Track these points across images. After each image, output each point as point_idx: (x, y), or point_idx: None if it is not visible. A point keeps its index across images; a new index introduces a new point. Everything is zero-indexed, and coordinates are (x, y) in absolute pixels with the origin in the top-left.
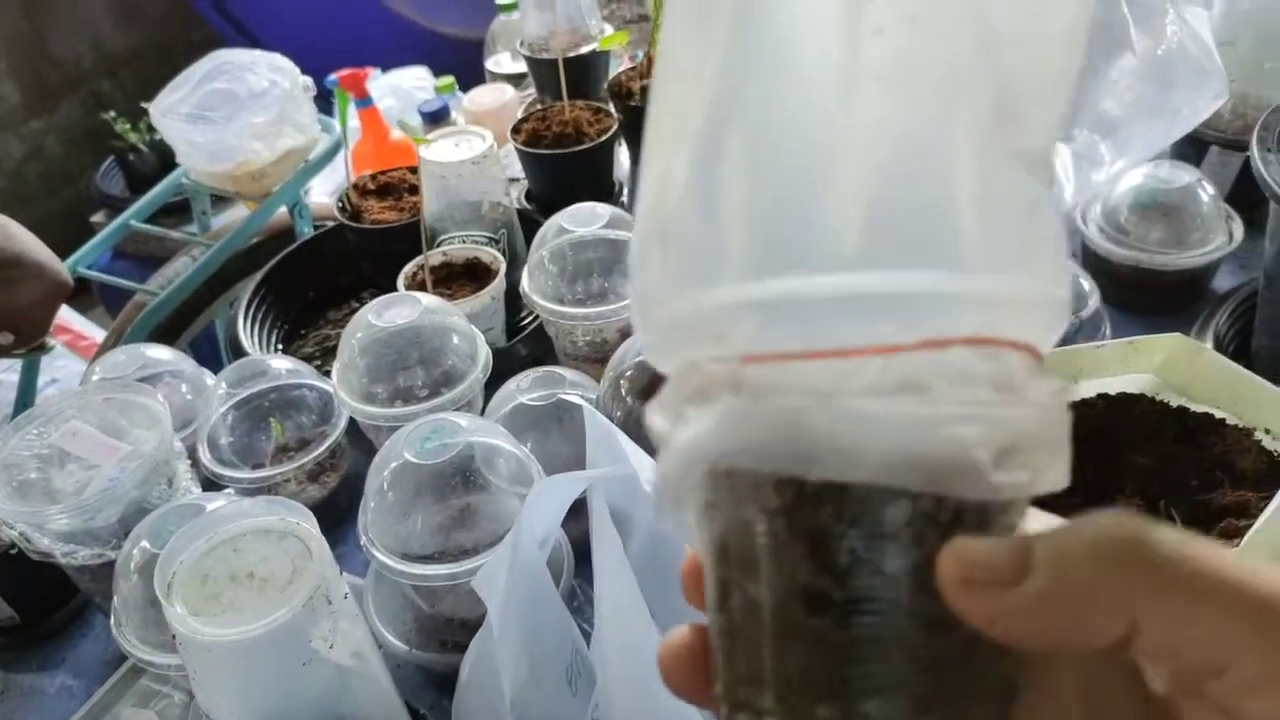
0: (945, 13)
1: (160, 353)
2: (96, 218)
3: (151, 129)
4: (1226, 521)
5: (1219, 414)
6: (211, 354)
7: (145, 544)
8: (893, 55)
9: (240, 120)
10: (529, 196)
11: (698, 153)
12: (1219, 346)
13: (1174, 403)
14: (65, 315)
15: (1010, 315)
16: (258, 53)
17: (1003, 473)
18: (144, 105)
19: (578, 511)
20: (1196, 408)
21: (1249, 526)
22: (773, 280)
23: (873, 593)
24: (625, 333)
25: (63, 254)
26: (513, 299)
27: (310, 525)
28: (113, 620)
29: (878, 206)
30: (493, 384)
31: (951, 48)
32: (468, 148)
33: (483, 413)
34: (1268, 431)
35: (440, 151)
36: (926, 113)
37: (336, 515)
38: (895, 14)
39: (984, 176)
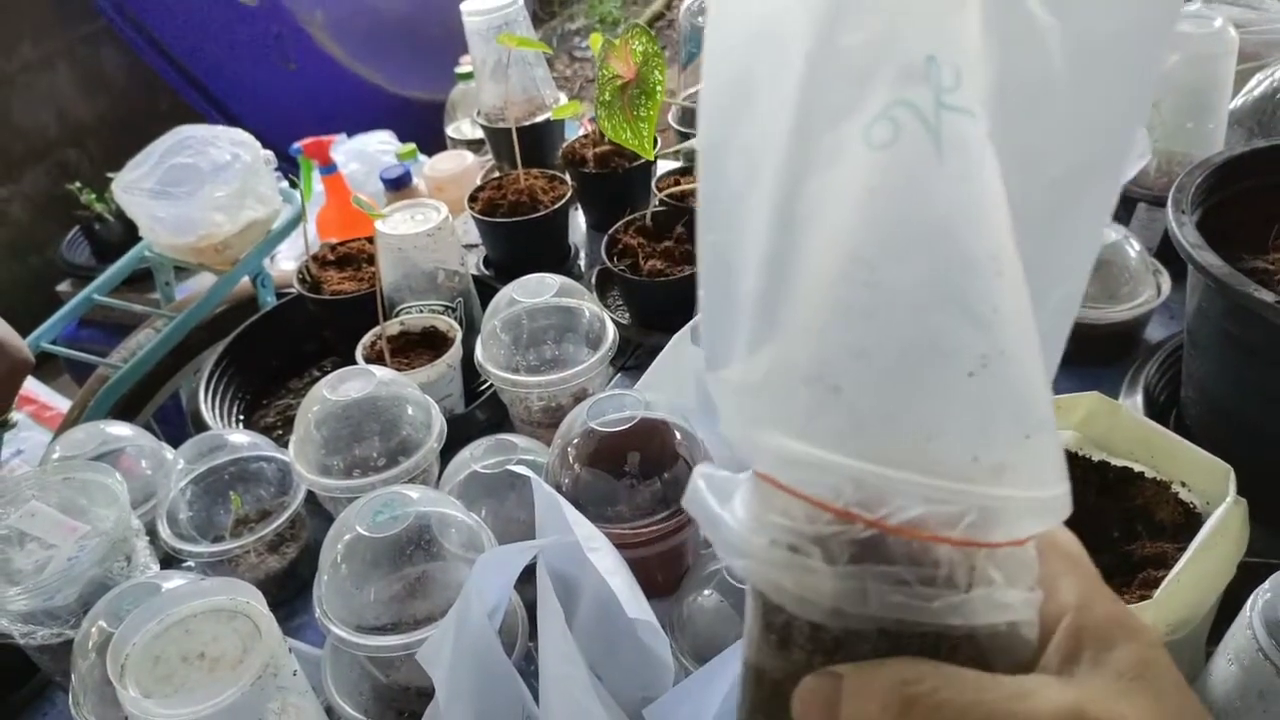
0: None
1: (120, 429)
2: (62, 287)
3: None
4: (1146, 572)
5: (1138, 468)
6: (178, 423)
7: (103, 623)
8: None
9: (203, 194)
10: (487, 262)
11: None
12: (1150, 397)
13: (1095, 457)
14: (30, 386)
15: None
16: (220, 128)
17: None
18: (110, 175)
19: (533, 575)
20: (1117, 462)
21: (1166, 576)
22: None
23: None
24: (578, 398)
25: (27, 324)
26: (471, 365)
27: (260, 604)
28: (71, 699)
29: None
30: (452, 449)
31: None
32: (423, 220)
33: (439, 480)
34: (1184, 484)
35: (396, 224)
36: None
37: (297, 585)
38: None
39: None
